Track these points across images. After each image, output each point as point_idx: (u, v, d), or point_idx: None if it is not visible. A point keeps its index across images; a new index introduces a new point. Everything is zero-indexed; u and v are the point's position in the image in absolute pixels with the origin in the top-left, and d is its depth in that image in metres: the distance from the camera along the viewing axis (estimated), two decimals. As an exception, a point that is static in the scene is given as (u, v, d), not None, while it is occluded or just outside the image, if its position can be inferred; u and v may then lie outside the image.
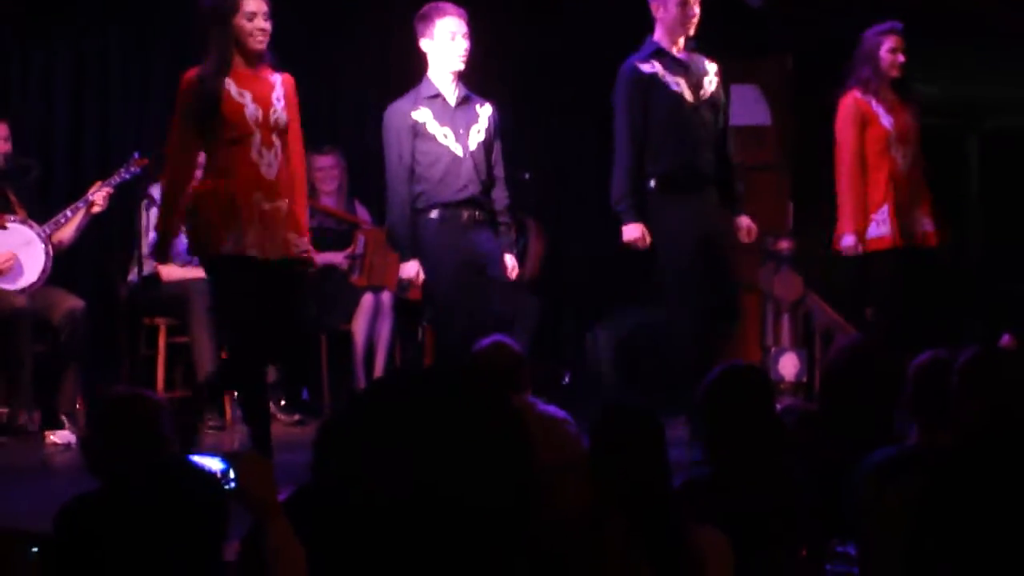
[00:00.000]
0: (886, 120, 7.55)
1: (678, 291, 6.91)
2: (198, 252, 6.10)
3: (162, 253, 6.27)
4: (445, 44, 6.78)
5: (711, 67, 7.11)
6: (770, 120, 9.81)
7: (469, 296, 6.77)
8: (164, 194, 6.12)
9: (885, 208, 7.53)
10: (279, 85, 6.09)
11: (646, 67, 6.96)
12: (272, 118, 6.01)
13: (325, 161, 8.87)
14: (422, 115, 6.80)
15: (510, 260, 6.98)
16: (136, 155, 7.78)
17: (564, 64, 9.88)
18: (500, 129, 7.01)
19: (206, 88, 5.90)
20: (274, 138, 6.01)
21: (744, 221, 7.19)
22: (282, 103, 6.06)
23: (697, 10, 6.99)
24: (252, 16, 5.97)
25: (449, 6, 6.80)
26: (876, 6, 7.38)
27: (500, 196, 7.00)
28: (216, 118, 5.90)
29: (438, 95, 6.85)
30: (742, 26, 9.27)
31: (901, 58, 7.51)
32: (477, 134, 6.88)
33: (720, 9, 8.31)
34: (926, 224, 7.63)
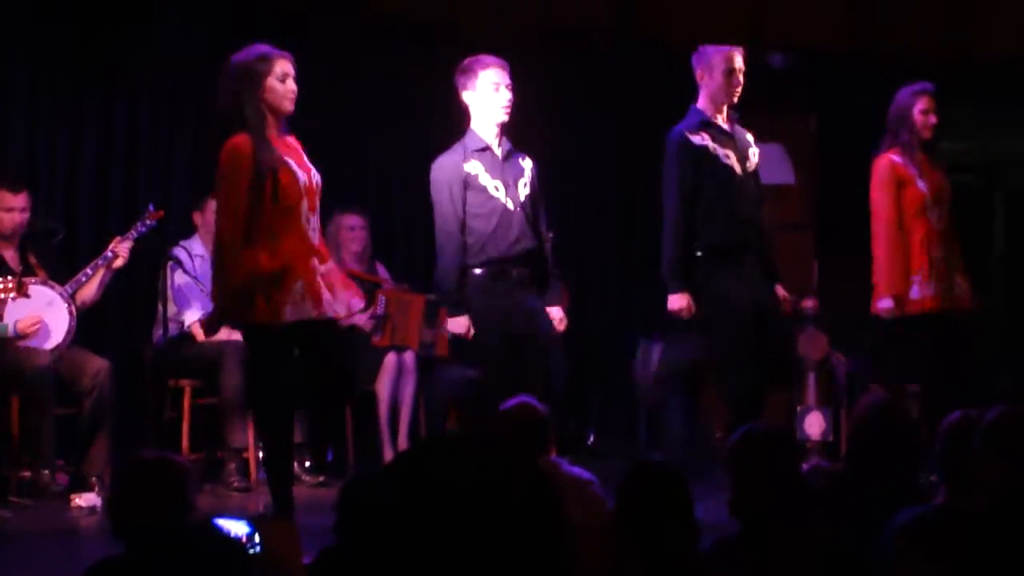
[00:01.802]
0: (921, 183, 7.54)
1: (732, 358, 6.92)
2: (253, 319, 5.92)
3: (214, 329, 6.26)
4: (489, 95, 6.77)
5: (751, 138, 7.16)
6: (794, 179, 9.81)
7: (513, 357, 6.74)
8: (222, 265, 5.90)
9: (922, 271, 7.54)
10: (300, 148, 6.10)
11: (696, 138, 6.99)
12: (313, 182, 6.02)
13: (353, 221, 8.87)
14: (474, 167, 6.77)
15: (557, 313, 6.96)
16: (151, 207, 7.79)
17: (585, 124, 9.90)
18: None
19: (263, 156, 5.87)
20: (316, 203, 6.01)
21: (780, 291, 7.22)
22: (311, 167, 6.07)
23: (742, 79, 7.02)
24: (284, 77, 5.95)
25: (491, 58, 6.79)
26: (897, 66, 7.38)
27: (548, 250, 7.01)
28: (270, 186, 5.83)
29: (487, 147, 6.83)
30: (766, 85, 9.29)
31: (933, 119, 7.52)
32: (524, 187, 6.86)
33: (744, 68, 8.34)
34: (961, 286, 7.61)
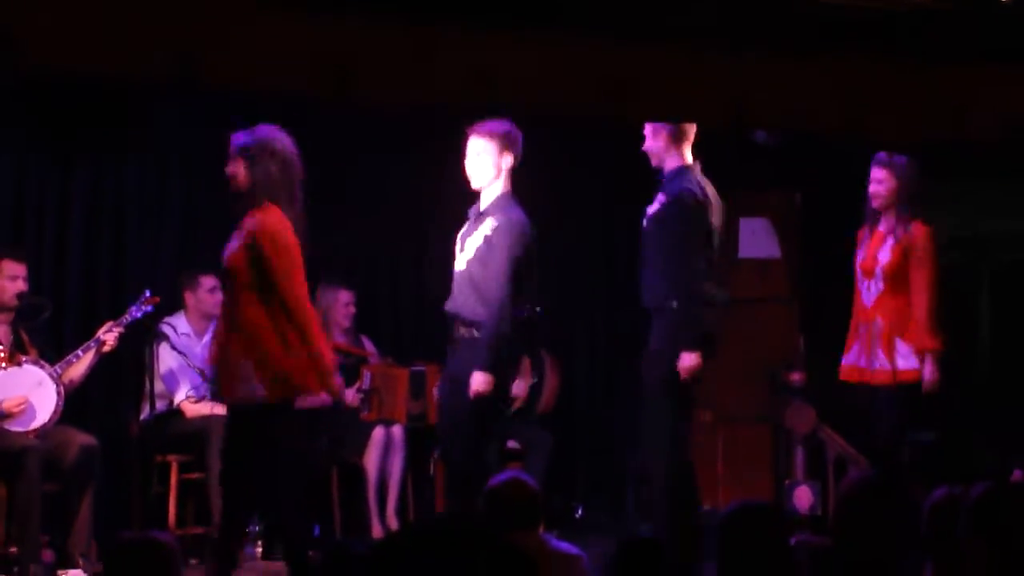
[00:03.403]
0: (859, 253, 7.67)
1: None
2: (284, 395, 6.12)
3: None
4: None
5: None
6: (779, 253, 9.86)
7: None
8: (317, 343, 6.14)
9: (849, 341, 7.76)
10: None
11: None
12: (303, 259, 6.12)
13: (347, 297, 8.94)
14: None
15: (476, 378, 6.69)
16: (148, 293, 7.78)
17: (574, 199, 9.95)
18: (501, 245, 6.85)
19: (297, 232, 6.01)
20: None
21: None
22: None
23: None
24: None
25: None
26: (882, 143, 7.44)
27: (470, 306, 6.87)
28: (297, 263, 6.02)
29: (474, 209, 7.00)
30: (751, 160, 9.35)
31: (875, 188, 7.60)
32: (470, 250, 6.86)
33: (729, 144, 8.39)
34: (883, 361, 7.63)
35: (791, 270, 9.82)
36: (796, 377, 9.27)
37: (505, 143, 6.84)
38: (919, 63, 6.58)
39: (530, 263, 6.82)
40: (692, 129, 6.99)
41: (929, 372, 7.51)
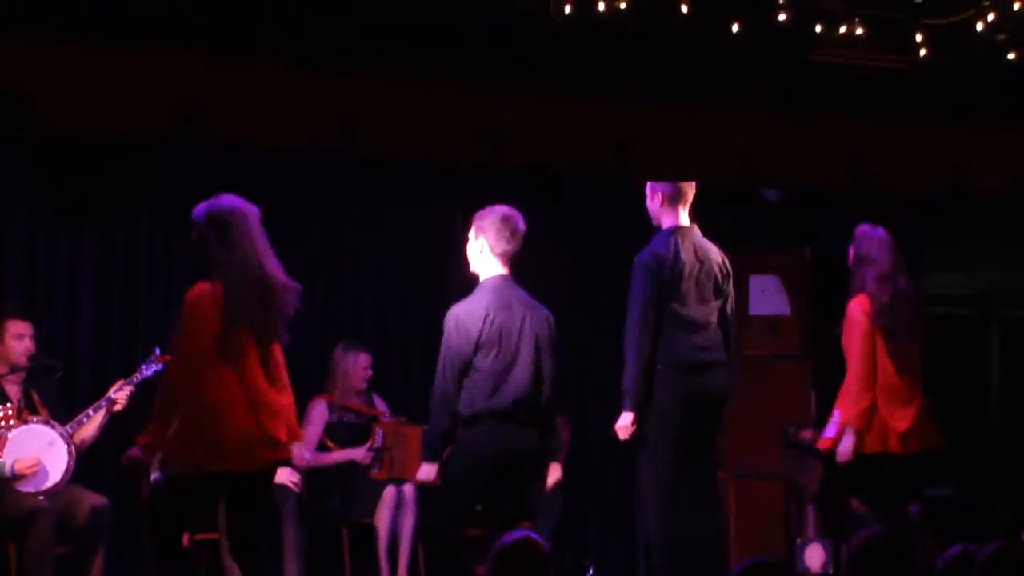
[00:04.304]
0: None
1: None
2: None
3: None
4: None
5: None
6: (790, 310, 9.86)
7: None
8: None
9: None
10: None
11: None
12: None
13: (366, 360, 8.98)
14: None
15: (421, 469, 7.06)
16: (158, 351, 7.79)
17: (580, 251, 9.96)
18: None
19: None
20: None
21: None
22: None
23: None
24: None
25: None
26: (892, 199, 7.47)
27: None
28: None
29: None
30: (762, 217, 9.37)
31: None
32: None
33: (739, 200, 8.42)
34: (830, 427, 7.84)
35: (802, 327, 9.81)
36: (807, 434, 9.25)
37: (480, 227, 6.96)
38: (922, 119, 6.62)
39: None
40: (689, 191, 7.03)
41: (843, 443, 7.71)
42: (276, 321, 6.26)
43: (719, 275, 7.07)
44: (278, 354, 6.30)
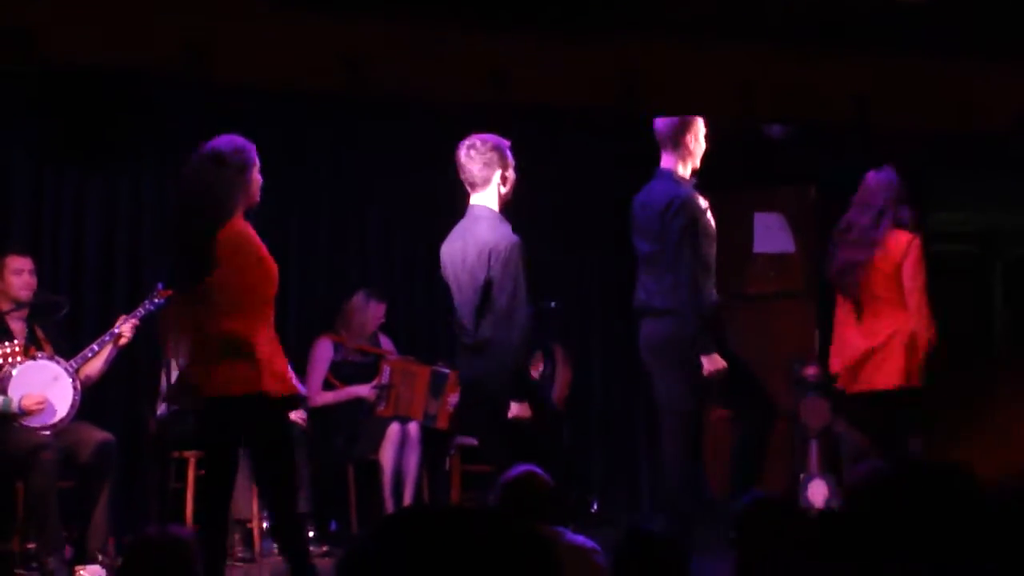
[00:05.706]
0: None
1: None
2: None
3: None
4: None
5: None
6: (794, 247, 9.87)
7: None
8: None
9: None
10: None
11: (701, 200, 7.00)
12: None
13: (382, 309, 9.01)
14: None
15: None
16: (160, 286, 7.79)
17: (581, 193, 9.95)
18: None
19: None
20: None
21: None
22: None
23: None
24: (260, 170, 6.07)
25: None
26: (896, 136, 7.45)
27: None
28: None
29: None
30: (765, 155, 9.35)
31: None
32: None
33: (743, 139, 8.39)
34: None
35: (806, 265, 9.82)
36: (811, 371, 9.27)
37: (504, 158, 6.89)
38: (927, 55, 6.59)
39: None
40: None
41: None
42: None
43: None
44: None
